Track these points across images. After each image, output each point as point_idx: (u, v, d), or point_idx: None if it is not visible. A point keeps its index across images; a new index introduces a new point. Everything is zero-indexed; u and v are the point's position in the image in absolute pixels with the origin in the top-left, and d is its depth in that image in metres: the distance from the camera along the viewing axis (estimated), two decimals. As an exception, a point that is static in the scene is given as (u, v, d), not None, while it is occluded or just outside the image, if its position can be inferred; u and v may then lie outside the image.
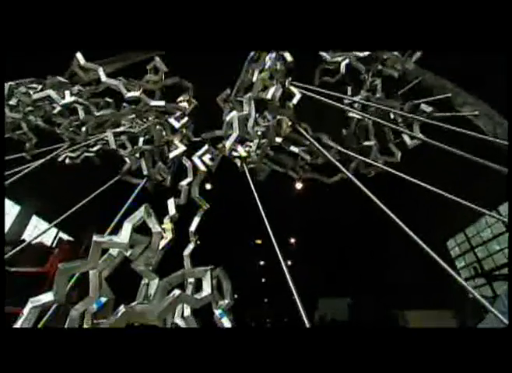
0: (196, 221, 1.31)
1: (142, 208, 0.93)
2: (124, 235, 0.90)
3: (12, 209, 10.00)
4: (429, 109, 1.52)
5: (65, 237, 9.79)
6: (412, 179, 1.31)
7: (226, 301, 1.26)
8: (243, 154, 1.41)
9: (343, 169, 1.25)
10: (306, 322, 0.90)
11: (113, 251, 0.98)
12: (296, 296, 1.02)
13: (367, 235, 11.68)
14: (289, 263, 12.98)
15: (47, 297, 0.88)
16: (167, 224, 1.14)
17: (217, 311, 1.21)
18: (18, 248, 2.50)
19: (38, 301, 0.86)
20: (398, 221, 1.12)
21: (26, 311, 0.85)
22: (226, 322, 1.19)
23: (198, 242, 1.33)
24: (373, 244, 11.73)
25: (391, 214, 1.13)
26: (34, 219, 9.92)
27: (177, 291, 0.79)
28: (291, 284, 1.08)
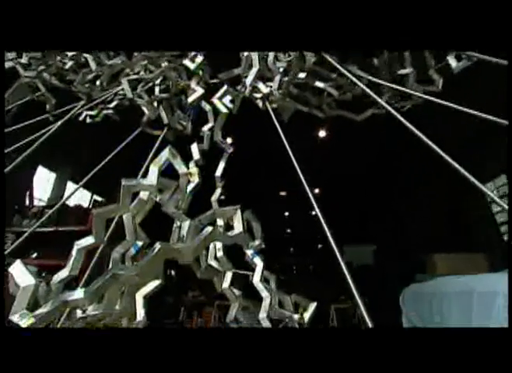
0: (221, 165, 1.29)
1: (167, 150, 0.91)
2: (152, 177, 0.89)
3: (49, 176, 10.74)
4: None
5: (99, 200, 10.46)
6: (453, 105, 1.16)
7: (257, 242, 1.28)
8: (265, 91, 1.30)
9: (378, 100, 1.12)
10: (344, 268, 0.88)
11: (144, 195, 0.99)
12: (333, 243, 0.99)
13: (392, 179, 11.28)
14: (314, 213, 13.08)
15: (88, 240, 0.92)
16: (193, 169, 1.12)
17: (249, 251, 1.24)
18: (53, 209, 2.66)
19: (81, 243, 0.92)
20: (441, 153, 1.01)
21: (74, 252, 0.91)
22: (259, 262, 1.23)
23: (223, 197, 1.31)
24: (399, 188, 11.35)
25: (435, 147, 1.02)
26: (70, 184, 10.59)
27: (209, 228, 0.78)
28: (327, 232, 1.04)
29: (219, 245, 1.33)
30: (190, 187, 1.13)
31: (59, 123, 1.94)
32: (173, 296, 8.93)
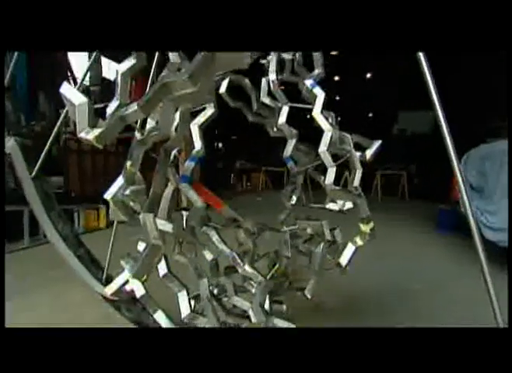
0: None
1: None
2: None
3: (82, 55, 10.58)
4: None
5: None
6: None
7: (317, 71, 1.09)
8: None
9: None
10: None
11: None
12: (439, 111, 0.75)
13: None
14: (368, 75, 11.66)
15: (130, 60, 0.81)
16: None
17: (308, 82, 1.06)
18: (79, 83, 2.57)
19: (124, 66, 0.81)
20: None
21: (118, 78, 0.82)
22: (319, 92, 1.05)
23: None
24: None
25: None
26: (104, 60, 10.40)
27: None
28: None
29: (272, 77, 1.17)
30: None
31: None
32: (223, 164, 9.76)
